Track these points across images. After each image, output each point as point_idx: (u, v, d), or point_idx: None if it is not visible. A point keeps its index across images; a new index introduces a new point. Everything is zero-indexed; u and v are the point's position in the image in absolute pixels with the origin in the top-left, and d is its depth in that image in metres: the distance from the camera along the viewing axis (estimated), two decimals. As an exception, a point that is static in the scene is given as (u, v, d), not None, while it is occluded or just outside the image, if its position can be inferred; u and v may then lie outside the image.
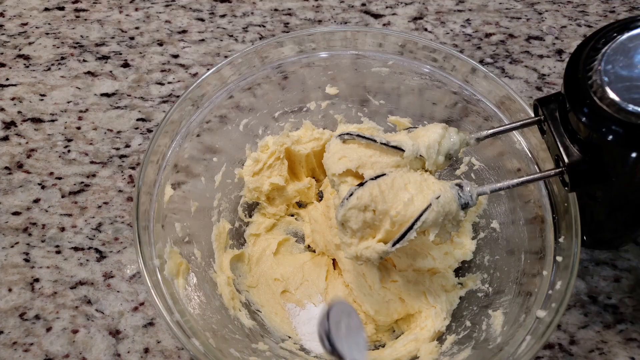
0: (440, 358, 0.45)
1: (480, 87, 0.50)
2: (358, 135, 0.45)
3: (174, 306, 0.42)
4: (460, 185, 0.41)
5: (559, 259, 0.42)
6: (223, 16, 0.71)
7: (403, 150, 0.43)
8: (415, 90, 0.54)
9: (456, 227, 0.42)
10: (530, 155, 0.47)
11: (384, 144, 0.44)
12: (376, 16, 0.66)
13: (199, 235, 0.51)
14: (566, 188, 0.40)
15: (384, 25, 0.65)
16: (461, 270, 0.51)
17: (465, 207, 0.41)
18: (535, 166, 0.47)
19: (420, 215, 0.40)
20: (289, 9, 0.69)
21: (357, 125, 0.57)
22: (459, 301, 0.49)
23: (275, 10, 0.70)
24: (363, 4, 0.70)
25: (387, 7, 0.71)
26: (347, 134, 0.46)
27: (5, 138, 0.61)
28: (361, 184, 0.42)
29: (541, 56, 0.66)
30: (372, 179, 0.42)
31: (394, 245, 0.41)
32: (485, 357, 0.42)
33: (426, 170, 0.44)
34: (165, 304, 0.42)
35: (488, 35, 0.69)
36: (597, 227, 0.50)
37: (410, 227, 0.40)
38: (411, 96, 0.54)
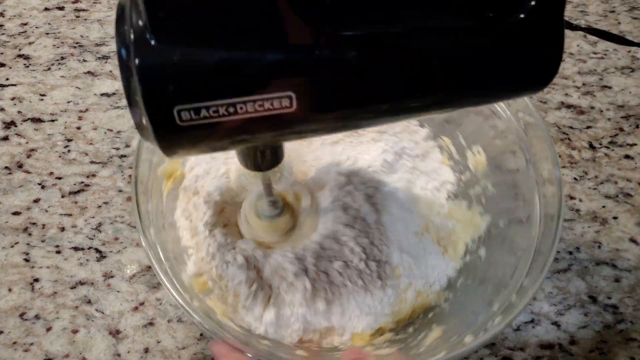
0: (366, 347, 0.44)
1: None
2: None
3: (152, 198, 0.42)
4: None
5: (513, 298, 0.39)
6: (223, 16, 0.71)
7: None
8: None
9: None
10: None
11: None
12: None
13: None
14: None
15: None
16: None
17: None
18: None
19: None
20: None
21: None
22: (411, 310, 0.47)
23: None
24: (363, 4, 0.70)
25: (387, 7, 0.71)
26: None
27: (5, 138, 0.61)
28: None
29: (541, 56, 0.66)
30: None
31: None
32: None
33: None
34: (146, 194, 0.41)
35: (488, 35, 0.69)
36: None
37: None
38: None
